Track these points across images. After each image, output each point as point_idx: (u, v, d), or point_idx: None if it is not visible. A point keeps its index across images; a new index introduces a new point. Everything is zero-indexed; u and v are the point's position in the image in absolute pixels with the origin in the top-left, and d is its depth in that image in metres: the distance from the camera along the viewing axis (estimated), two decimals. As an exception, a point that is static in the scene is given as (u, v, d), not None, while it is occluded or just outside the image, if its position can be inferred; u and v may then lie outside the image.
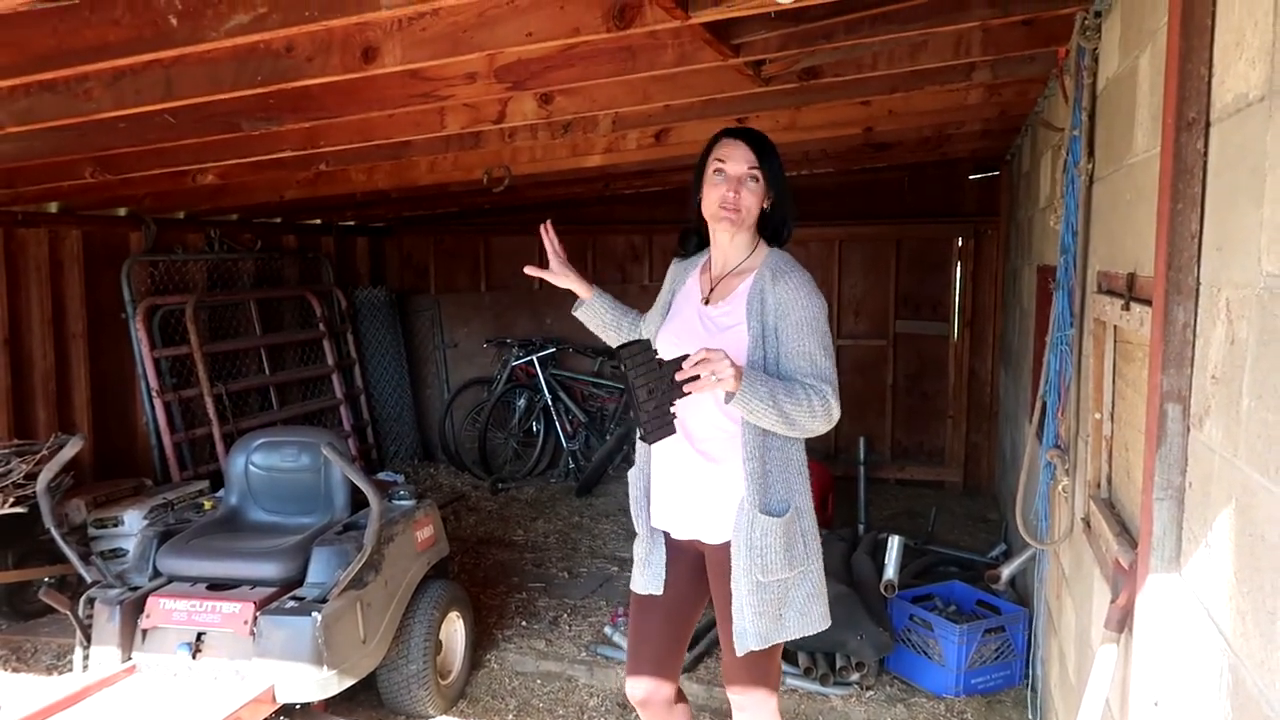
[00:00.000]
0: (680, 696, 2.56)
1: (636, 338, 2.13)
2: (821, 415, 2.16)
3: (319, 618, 3.13)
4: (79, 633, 3.33)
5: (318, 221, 7.61)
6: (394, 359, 7.99)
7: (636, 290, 7.42)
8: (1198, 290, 1.48)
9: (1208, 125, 1.45)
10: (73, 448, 3.45)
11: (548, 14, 2.35)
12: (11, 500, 4.15)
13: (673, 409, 2.05)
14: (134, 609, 3.30)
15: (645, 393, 2.01)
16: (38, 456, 4.29)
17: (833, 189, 7.11)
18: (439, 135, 3.79)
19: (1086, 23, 2.53)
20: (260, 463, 3.82)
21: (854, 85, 3.57)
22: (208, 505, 4.00)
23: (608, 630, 4.26)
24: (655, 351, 2.05)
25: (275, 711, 3.19)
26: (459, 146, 4.27)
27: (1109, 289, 2.23)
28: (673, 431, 2.07)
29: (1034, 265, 4.32)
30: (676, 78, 3.26)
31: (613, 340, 2.62)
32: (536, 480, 7.47)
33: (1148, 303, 1.71)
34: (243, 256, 6.76)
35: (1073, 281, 2.72)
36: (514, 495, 7.11)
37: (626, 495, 2.53)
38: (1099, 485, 2.32)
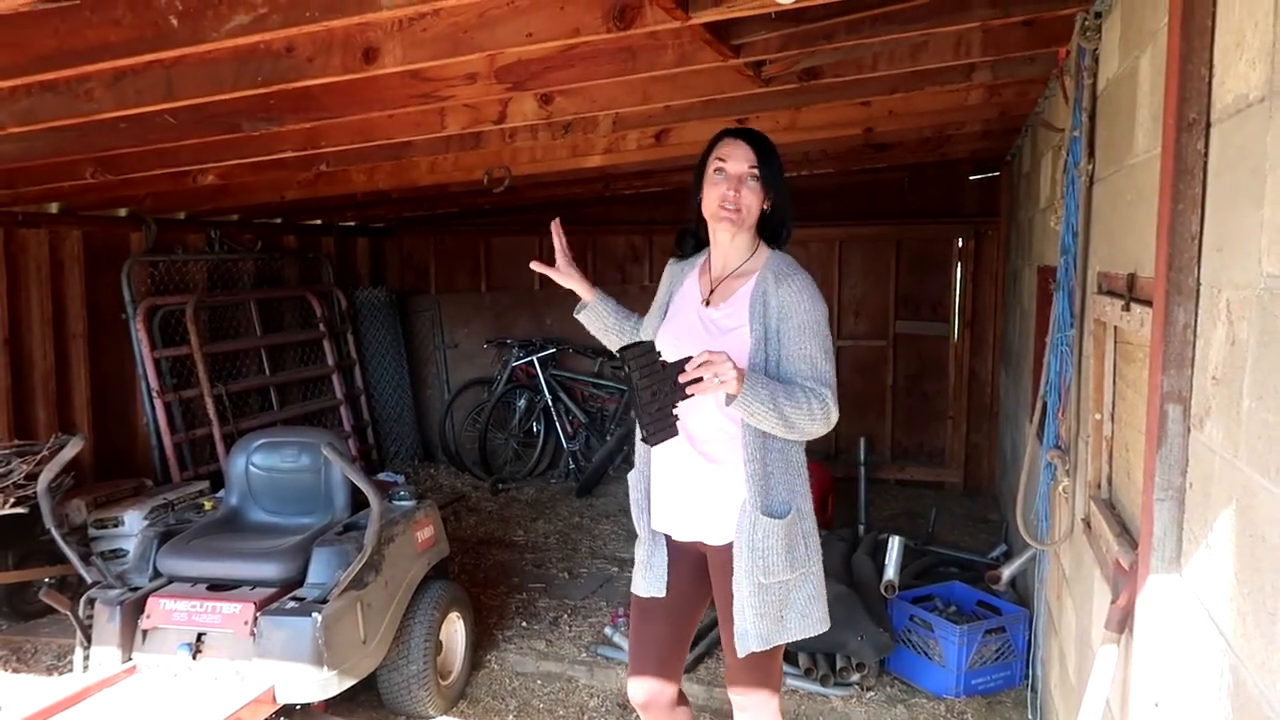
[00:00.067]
0: (682, 698, 2.56)
1: (639, 339, 2.12)
2: (820, 418, 2.17)
3: (319, 618, 3.13)
4: (79, 633, 3.33)
5: (318, 222, 7.62)
6: (394, 359, 7.99)
7: (636, 291, 7.42)
8: (1198, 291, 1.48)
9: (1208, 126, 1.45)
10: (73, 448, 3.45)
11: (548, 14, 2.35)
12: (12, 501, 4.15)
13: (675, 411, 2.05)
14: (134, 609, 3.30)
15: (649, 394, 2.01)
16: (38, 457, 4.29)
17: (833, 190, 7.11)
18: (439, 136, 3.79)
19: (1087, 23, 2.53)
20: (260, 463, 3.82)
21: (854, 86, 3.57)
22: (208, 506, 4.00)
23: (608, 631, 4.26)
24: (659, 353, 2.05)
25: (275, 712, 3.19)
26: (459, 147, 4.27)
27: (1109, 290, 2.23)
28: (675, 433, 2.07)
29: (1034, 266, 4.32)
30: (677, 78, 3.26)
31: (613, 343, 2.61)
32: (537, 481, 7.47)
33: (1148, 303, 1.71)
34: (243, 257, 6.76)
35: (1073, 282, 2.72)
36: (514, 496, 7.11)
37: (627, 496, 2.53)
38: (1099, 486, 2.32)
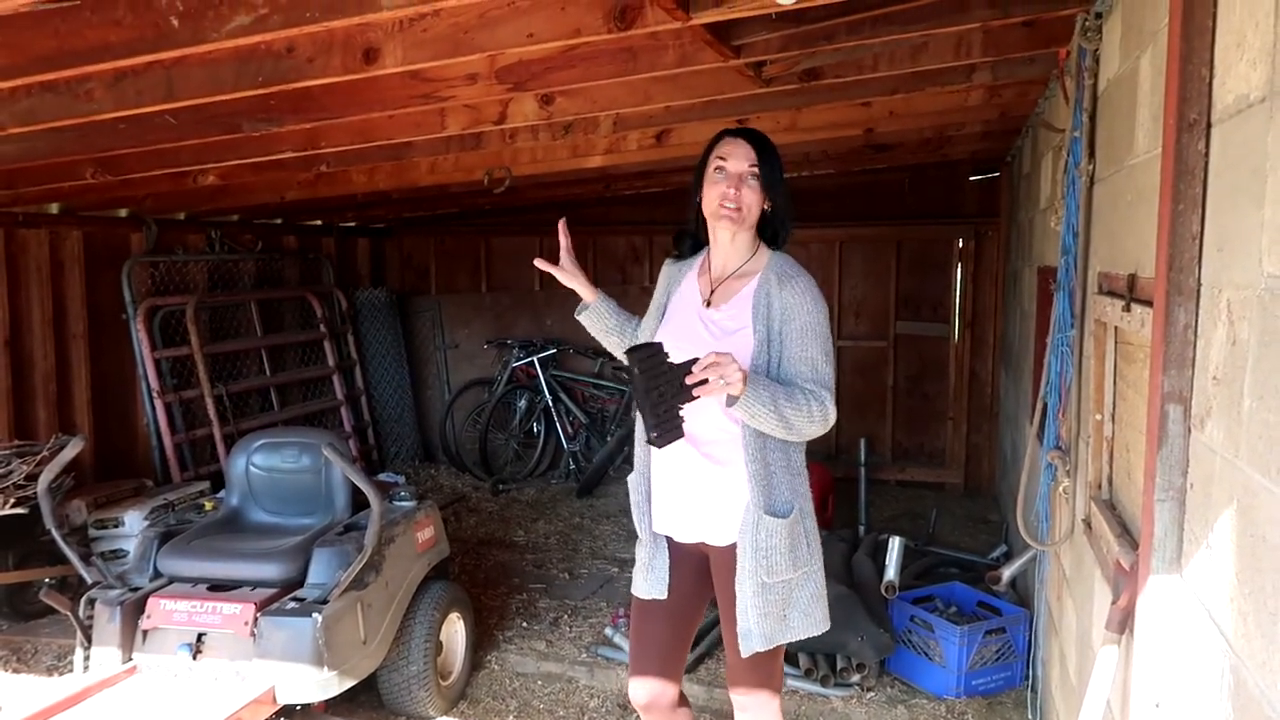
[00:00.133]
0: (683, 699, 2.56)
1: (646, 340, 2.11)
2: (818, 420, 2.18)
3: (319, 619, 3.13)
4: (80, 633, 3.33)
5: (318, 222, 7.62)
6: (395, 360, 7.99)
7: (637, 291, 7.41)
8: (1199, 291, 1.48)
9: (1209, 126, 1.45)
10: (73, 448, 3.45)
11: (549, 15, 2.35)
12: (12, 501, 4.15)
13: (681, 412, 2.05)
14: (135, 610, 3.30)
15: (656, 396, 2.00)
16: (38, 457, 4.29)
17: (833, 190, 7.11)
18: (440, 136, 3.79)
19: (1087, 24, 2.53)
20: (261, 464, 3.82)
21: (855, 86, 3.57)
22: (208, 506, 4.00)
23: (608, 631, 4.26)
24: (666, 354, 2.03)
25: (276, 712, 3.19)
26: (460, 147, 4.27)
27: (1110, 290, 2.23)
28: (681, 435, 2.06)
29: (1035, 266, 4.32)
30: (677, 79, 3.26)
31: (613, 344, 2.60)
32: (537, 481, 7.47)
33: (1149, 304, 1.71)
34: (243, 257, 6.76)
35: (1073, 283, 2.71)
36: (515, 496, 7.11)
37: (627, 497, 2.53)
38: (1100, 486, 2.32)
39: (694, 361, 2.01)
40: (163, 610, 3.29)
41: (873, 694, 3.81)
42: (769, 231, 2.41)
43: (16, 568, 4.41)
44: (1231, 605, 1.27)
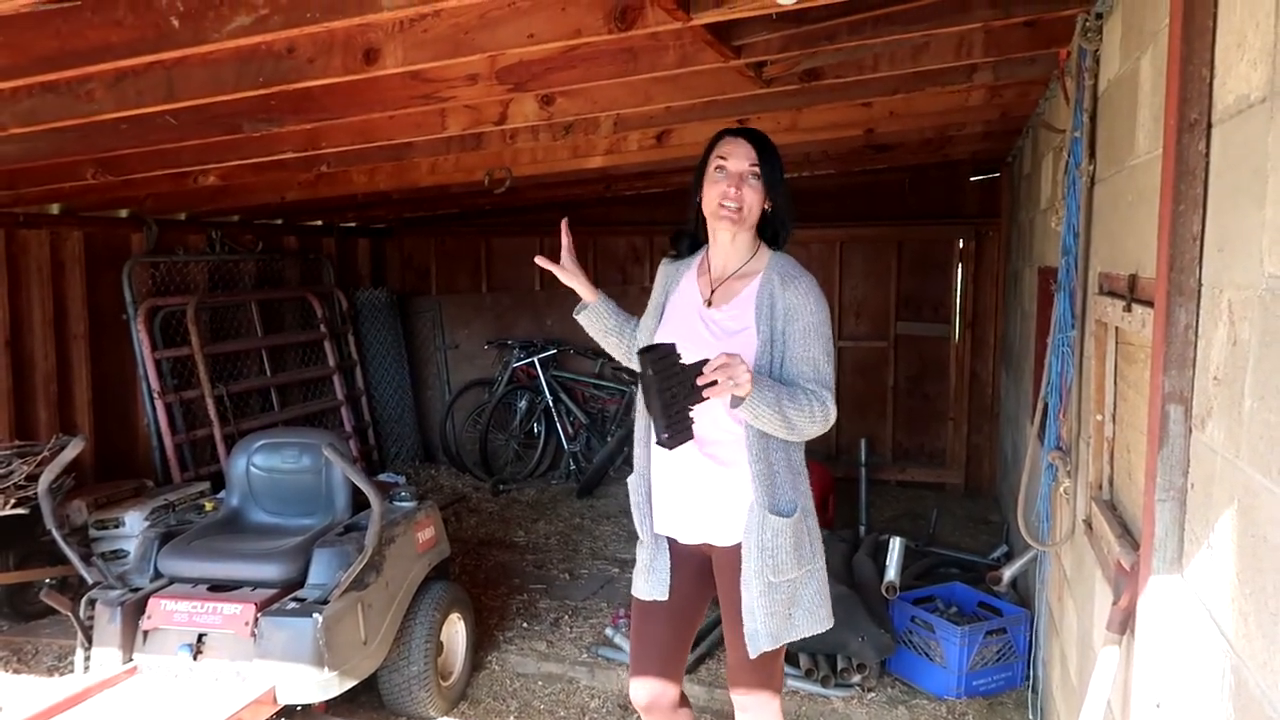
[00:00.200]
0: (683, 700, 2.56)
1: (649, 340, 2.09)
2: (820, 420, 2.19)
3: (320, 619, 3.13)
4: (80, 634, 3.33)
5: (319, 223, 7.62)
6: (395, 360, 7.99)
7: (638, 292, 7.41)
8: (1199, 291, 1.48)
9: (1209, 126, 1.45)
10: (74, 449, 3.45)
11: (549, 15, 2.35)
12: (13, 501, 4.15)
13: (692, 414, 2.04)
14: (135, 610, 3.30)
15: (669, 397, 1.99)
16: (39, 458, 4.29)
17: (834, 190, 7.11)
18: (440, 137, 3.79)
19: (1088, 24, 2.53)
20: (261, 464, 3.83)
21: (855, 87, 3.57)
22: (209, 506, 4.00)
23: (609, 632, 4.25)
24: (679, 356, 2.02)
25: (276, 713, 3.19)
26: (460, 148, 4.27)
27: (1110, 290, 2.23)
28: (691, 436, 2.06)
29: (1035, 267, 4.32)
30: (678, 79, 3.26)
31: (612, 345, 2.60)
32: (537, 482, 7.47)
33: (1149, 304, 1.71)
34: (244, 258, 6.76)
35: (1074, 283, 2.71)
36: (515, 497, 7.11)
37: (628, 497, 2.52)
38: (1100, 487, 2.32)
39: (704, 362, 2.00)
40: (163, 611, 3.29)
41: (873, 694, 3.81)
42: (769, 231, 2.41)
43: (17, 568, 4.42)
44: (1232, 605, 1.27)
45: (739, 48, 2.73)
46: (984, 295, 7.04)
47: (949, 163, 6.61)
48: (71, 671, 3.78)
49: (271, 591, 3.33)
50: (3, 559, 4.39)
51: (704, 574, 2.45)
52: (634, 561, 2.51)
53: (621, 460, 7.15)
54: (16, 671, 4.14)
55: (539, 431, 7.66)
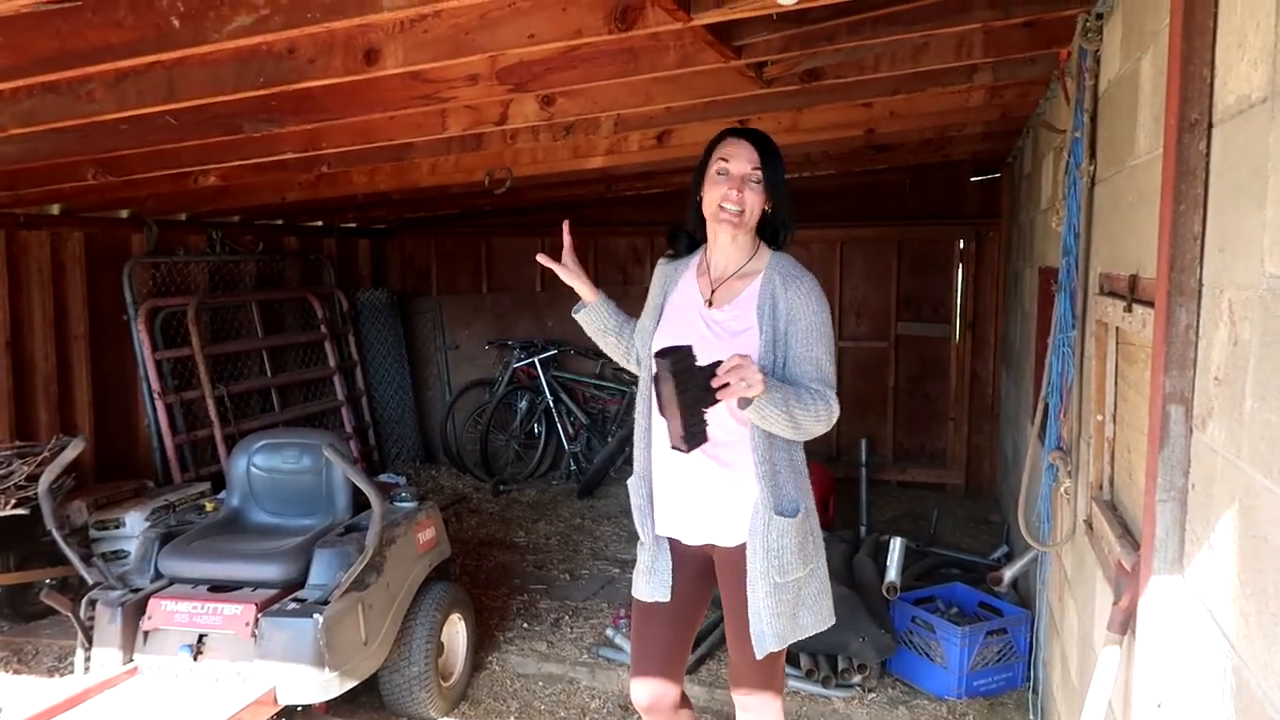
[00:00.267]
0: (684, 701, 2.56)
1: (672, 344, 2.05)
2: (824, 419, 2.19)
3: (320, 619, 3.13)
4: (80, 634, 3.33)
5: (319, 223, 7.62)
6: (395, 361, 7.99)
7: (638, 292, 7.33)
8: (1200, 292, 1.47)
9: (1210, 127, 1.45)
10: (74, 449, 3.45)
11: (549, 16, 2.35)
12: (13, 502, 4.15)
13: (706, 416, 2.02)
14: (135, 611, 3.30)
15: (690, 399, 1.97)
16: (39, 458, 4.29)
17: (834, 191, 7.11)
18: (440, 137, 3.79)
19: (1088, 24, 2.53)
20: (262, 464, 3.83)
21: (856, 87, 3.57)
22: (209, 507, 4.00)
23: (609, 632, 4.25)
24: (695, 358, 2.00)
25: (277, 713, 3.19)
26: (460, 148, 4.27)
27: (1111, 291, 2.23)
28: (707, 439, 2.04)
29: (1036, 267, 4.32)
30: (678, 79, 3.26)
31: (611, 346, 2.58)
32: (538, 482, 7.47)
33: (1150, 304, 1.71)
34: (244, 258, 6.76)
35: (1075, 283, 2.71)
36: (515, 497, 7.11)
37: (628, 498, 2.51)
38: (1101, 487, 2.32)
39: (717, 364, 1.99)
40: (164, 611, 3.29)
41: (874, 695, 3.81)
42: (769, 231, 2.40)
43: (17, 569, 4.42)
44: (1233, 606, 1.27)
45: (739, 48, 2.73)
46: (984, 295, 7.04)
47: (949, 163, 6.61)
48: (72, 672, 3.77)
49: (272, 592, 3.33)
50: (3, 559, 4.39)
51: (705, 575, 2.45)
52: (634, 562, 2.51)
53: (622, 460, 7.15)
54: (17, 672, 4.14)
55: (539, 432, 7.66)
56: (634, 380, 2.51)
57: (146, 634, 3.28)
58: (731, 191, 2.27)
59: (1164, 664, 1.59)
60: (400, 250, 8.53)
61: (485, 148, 4.30)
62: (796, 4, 2.15)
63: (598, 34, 2.33)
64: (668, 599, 2.41)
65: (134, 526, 4.71)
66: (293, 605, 3.24)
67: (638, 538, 2.47)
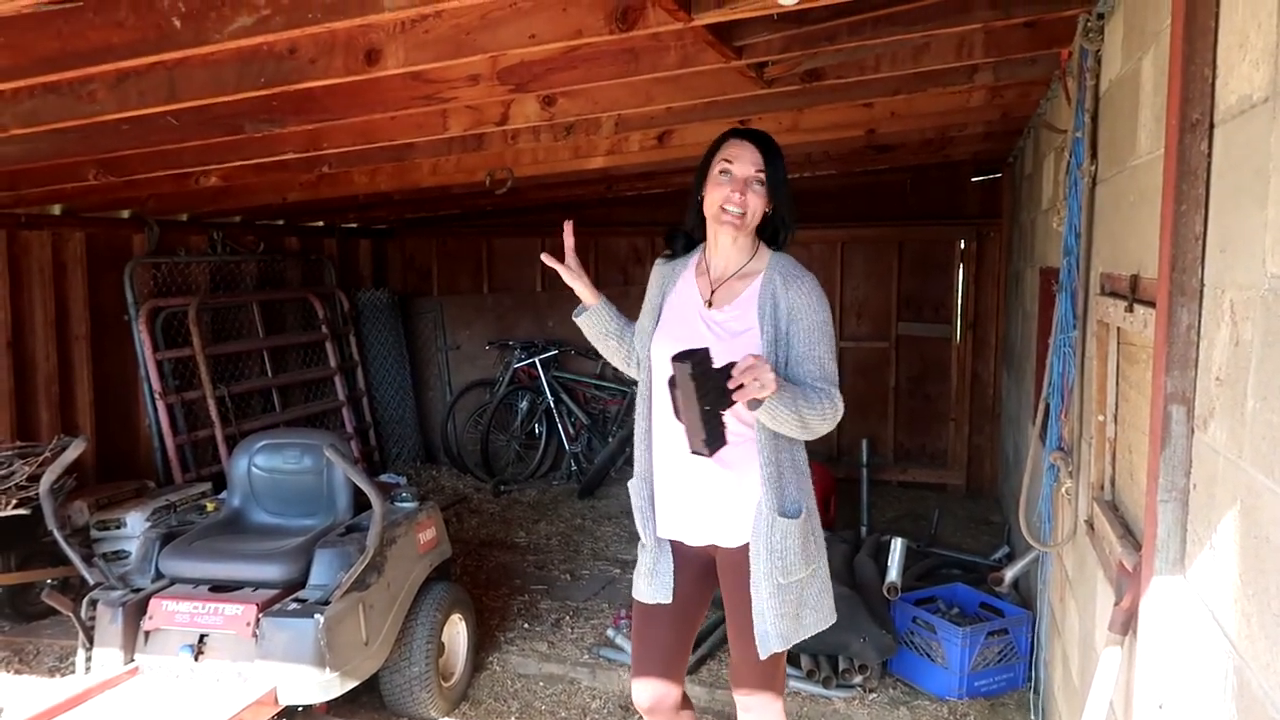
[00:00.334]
0: (686, 702, 2.56)
1: (693, 347, 2.02)
2: (830, 417, 2.19)
3: (321, 620, 3.13)
4: (81, 634, 3.33)
5: (320, 223, 7.62)
6: (396, 361, 8.00)
7: (639, 293, 7.32)
8: (1202, 292, 1.47)
9: (1211, 127, 1.45)
10: (75, 450, 3.45)
11: (550, 16, 2.35)
12: (14, 502, 4.15)
13: (724, 418, 2.01)
14: (136, 611, 3.30)
15: (708, 403, 1.95)
16: (40, 458, 4.30)
17: (835, 191, 7.11)
18: (441, 137, 3.79)
19: (1089, 24, 2.52)
20: (263, 465, 3.83)
21: (856, 87, 3.57)
22: (210, 507, 4.00)
23: (610, 633, 4.25)
24: (713, 360, 1.98)
25: (277, 714, 3.19)
26: (461, 148, 4.27)
27: (1112, 291, 2.23)
28: (725, 442, 2.03)
29: (1037, 267, 4.32)
30: (679, 80, 3.26)
31: (611, 349, 2.56)
32: (539, 482, 7.47)
33: (1151, 304, 1.71)
34: (245, 258, 6.76)
35: (1076, 283, 2.71)
36: (516, 497, 7.11)
37: (629, 498, 2.51)
38: (1102, 487, 2.31)
39: (732, 365, 1.98)
40: (165, 611, 3.29)
41: (875, 695, 3.81)
42: (769, 230, 2.39)
43: (19, 569, 4.42)
44: (1235, 606, 1.27)
45: (740, 48, 2.73)
46: (985, 296, 7.04)
47: (950, 163, 6.61)
48: (73, 672, 3.77)
49: (273, 592, 3.33)
50: (4, 560, 4.39)
51: (706, 575, 2.45)
52: (635, 562, 2.50)
53: (623, 461, 7.15)
54: (18, 672, 4.14)
55: (540, 432, 7.66)
56: (635, 381, 2.50)
57: (147, 634, 3.29)
58: (734, 194, 2.27)
59: (1165, 665, 1.59)
60: (401, 250, 8.54)
61: (486, 148, 4.30)
62: (797, 4, 2.15)
63: (598, 34, 2.33)
64: (669, 601, 2.41)
65: (135, 527, 4.71)
66: (294, 605, 3.24)
67: (638, 538, 2.47)
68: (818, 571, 2.36)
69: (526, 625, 4.57)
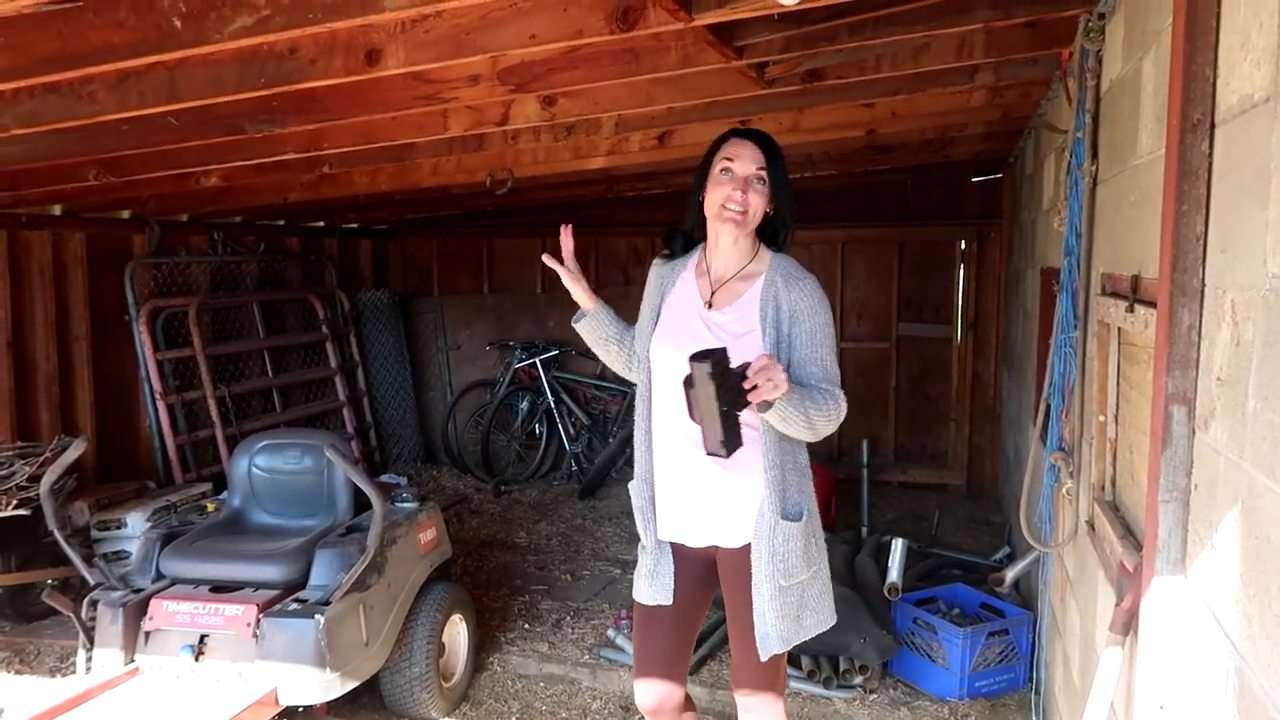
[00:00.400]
0: (688, 702, 2.55)
1: (710, 348, 2.01)
2: (835, 419, 2.20)
3: (322, 620, 3.13)
4: (82, 635, 3.33)
5: (321, 224, 7.62)
6: (397, 361, 8.00)
7: (639, 293, 7.38)
8: (1203, 292, 1.47)
9: (1213, 127, 1.45)
10: (76, 450, 3.45)
11: (551, 16, 2.35)
12: (15, 502, 4.15)
13: (740, 419, 2.00)
14: (137, 611, 3.30)
15: (725, 403, 1.94)
16: (41, 459, 4.30)
17: (835, 191, 7.11)
18: (442, 137, 3.79)
19: (1090, 24, 2.52)
20: (263, 465, 3.83)
21: (857, 87, 3.57)
22: (210, 507, 4.00)
23: (610, 633, 4.25)
24: (730, 360, 1.97)
25: (278, 714, 3.19)
26: (462, 149, 4.27)
27: (1113, 291, 2.23)
28: (742, 443, 2.03)
29: (1037, 267, 4.32)
30: (680, 80, 3.25)
31: (611, 354, 2.55)
32: (539, 483, 7.47)
33: (1152, 305, 1.70)
34: (246, 259, 6.76)
35: (1076, 284, 2.71)
36: (517, 498, 7.10)
37: (630, 499, 2.50)
38: (1103, 488, 2.31)
39: (746, 366, 1.97)
40: (165, 612, 3.29)
41: (875, 696, 3.81)
42: (769, 231, 2.39)
43: (19, 569, 4.42)
44: (1236, 607, 1.27)
45: (741, 48, 2.73)
46: (986, 296, 7.04)
47: (951, 163, 6.61)
48: (73, 672, 3.77)
49: (273, 592, 3.33)
50: (5, 560, 4.39)
51: (707, 576, 2.45)
52: (635, 563, 2.50)
53: (623, 461, 7.14)
54: (18, 673, 4.14)
55: (541, 432, 7.66)
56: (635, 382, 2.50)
57: (148, 634, 3.28)
58: (735, 192, 2.26)
59: (1166, 665, 1.59)
60: (402, 251, 8.54)
61: (487, 148, 4.30)
62: (798, 4, 2.15)
63: (599, 34, 2.33)
64: (670, 602, 2.41)
65: (135, 527, 4.71)
66: (294, 606, 3.24)
67: (639, 539, 2.47)
68: (818, 573, 2.36)
69: (527, 626, 4.57)
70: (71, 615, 3.34)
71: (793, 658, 3.80)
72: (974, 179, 6.94)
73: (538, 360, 7.58)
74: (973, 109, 4.25)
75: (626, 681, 3.92)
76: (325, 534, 3.55)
